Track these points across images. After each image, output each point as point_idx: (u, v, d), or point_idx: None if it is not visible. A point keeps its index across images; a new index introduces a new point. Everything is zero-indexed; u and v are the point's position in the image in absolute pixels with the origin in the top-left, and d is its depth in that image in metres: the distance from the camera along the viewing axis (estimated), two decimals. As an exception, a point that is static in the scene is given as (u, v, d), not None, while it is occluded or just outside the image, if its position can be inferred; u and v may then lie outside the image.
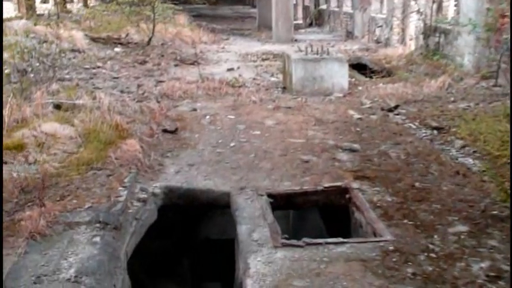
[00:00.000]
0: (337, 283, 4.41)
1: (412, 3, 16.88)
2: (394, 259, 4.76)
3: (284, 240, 5.12)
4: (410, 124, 9.32)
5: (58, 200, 5.65)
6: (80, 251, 4.71)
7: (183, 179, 6.81)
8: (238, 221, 5.70)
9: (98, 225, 5.13)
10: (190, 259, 8.87)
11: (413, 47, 16.56)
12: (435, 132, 8.71)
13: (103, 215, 5.30)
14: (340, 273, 4.56)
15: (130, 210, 5.76)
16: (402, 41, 17.77)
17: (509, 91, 9.92)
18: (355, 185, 6.48)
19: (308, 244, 5.07)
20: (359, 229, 5.92)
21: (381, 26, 20.07)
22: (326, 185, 6.52)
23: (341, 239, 5.18)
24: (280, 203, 6.39)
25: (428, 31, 15.44)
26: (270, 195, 6.31)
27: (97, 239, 4.89)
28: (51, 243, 4.83)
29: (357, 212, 6.07)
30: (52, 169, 6.41)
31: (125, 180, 6.30)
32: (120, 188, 6.05)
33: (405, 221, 5.53)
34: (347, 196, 6.34)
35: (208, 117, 9.95)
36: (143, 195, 6.16)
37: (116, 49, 17.17)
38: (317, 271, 4.61)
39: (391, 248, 4.95)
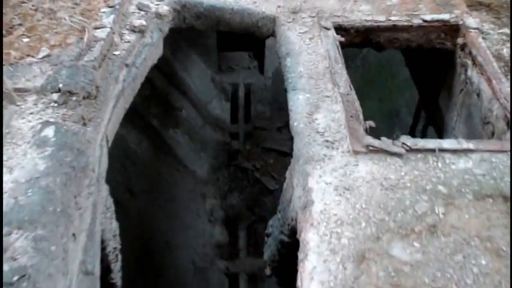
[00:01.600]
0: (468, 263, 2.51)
1: None
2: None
3: (370, 140, 3.06)
4: None
5: None
6: (16, 162, 2.71)
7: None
8: (289, 81, 3.57)
9: (55, 96, 3.03)
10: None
11: None
12: None
13: (66, 73, 3.13)
14: (472, 231, 2.63)
15: (117, 52, 3.56)
16: None
17: None
18: (471, 21, 4.09)
19: (411, 150, 3.04)
20: (473, 105, 3.81)
21: None
22: (427, 17, 4.14)
23: (465, 144, 3.09)
24: (354, 39, 4.13)
25: None
26: (339, 28, 4.02)
27: (49, 132, 2.83)
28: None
29: (473, 71, 3.87)
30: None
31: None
32: (103, 10, 3.75)
33: None
34: (460, 41, 4.04)
35: None
36: (140, 21, 3.88)
37: None
38: (430, 221, 2.68)
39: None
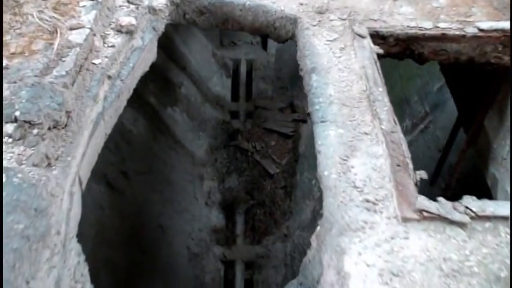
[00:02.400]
0: None
1: None
2: None
3: (424, 202, 2.32)
4: None
5: None
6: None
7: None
8: (315, 107, 2.80)
9: (10, 128, 2.25)
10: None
11: None
12: None
13: (27, 95, 2.33)
14: None
15: (98, 61, 2.77)
16: None
17: None
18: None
19: (477, 217, 2.31)
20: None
21: None
22: (483, 25, 3.35)
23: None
24: (392, 49, 3.36)
25: None
26: (375, 36, 3.24)
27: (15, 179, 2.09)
28: None
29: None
30: None
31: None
32: (83, 4, 2.94)
33: None
34: (525, 58, 3.27)
35: None
36: (129, 18, 3.07)
37: None
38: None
39: None
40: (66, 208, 2.29)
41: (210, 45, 8.64)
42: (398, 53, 3.37)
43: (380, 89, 2.83)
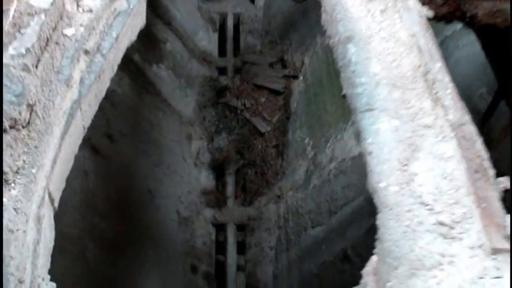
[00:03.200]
0: None
1: None
2: None
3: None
4: None
5: None
6: None
7: None
8: (356, 91, 2.19)
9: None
10: None
11: None
12: None
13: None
14: None
15: (70, 31, 2.25)
16: None
17: None
18: None
19: None
20: None
21: None
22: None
23: None
24: (440, 10, 2.89)
25: None
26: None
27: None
28: None
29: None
30: None
31: None
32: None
33: None
34: None
35: None
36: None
37: None
38: None
39: None
40: (31, 242, 1.77)
41: (195, -2, 8.35)
42: (446, 14, 2.94)
43: (438, 65, 2.22)
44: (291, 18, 7.56)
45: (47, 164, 1.91)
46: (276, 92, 7.46)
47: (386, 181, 1.87)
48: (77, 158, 4.78)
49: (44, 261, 1.83)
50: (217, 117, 7.32)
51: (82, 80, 2.20)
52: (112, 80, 5.88)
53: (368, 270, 1.82)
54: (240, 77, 7.77)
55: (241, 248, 6.36)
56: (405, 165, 1.89)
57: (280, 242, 6.10)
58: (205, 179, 6.72)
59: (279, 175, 6.63)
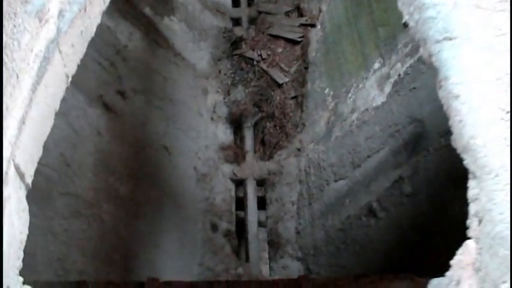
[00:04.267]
0: None
1: None
2: None
3: None
4: None
5: None
6: None
7: None
8: (426, 25, 1.68)
9: None
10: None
11: None
12: None
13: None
14: None
15: None
16: None
17: None
18: None
19: None
20: None
21: None
22: None
23: None
24: None
25: None
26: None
27: None
28: None
29: None
30: None
31: None
32: None
33: None
34: None
35: None
36: None
37: None
38: None
39: None
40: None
41: None
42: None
43: None
44: (306, -38, 7.20)
45: (12, 126, 1.44)
46: (293, 42, 7.22)
47: (483, 136, 1.39)
48: (89, 118, 4.64)
49: (10, 264, 1.37)
50: (233, 70, 7.16)
51: (61, 13, 1.66)
52: (123, 35, 5.73)
53: (461, 260, 1.33)
54: (255, 28, 7.53)
55: (262, 204, 6.25)
56: (509, 112, 1.38)
57: (302, 196, 5.94)
58: (223, 134, 6.61)
59: (298, 127, 6.43)
